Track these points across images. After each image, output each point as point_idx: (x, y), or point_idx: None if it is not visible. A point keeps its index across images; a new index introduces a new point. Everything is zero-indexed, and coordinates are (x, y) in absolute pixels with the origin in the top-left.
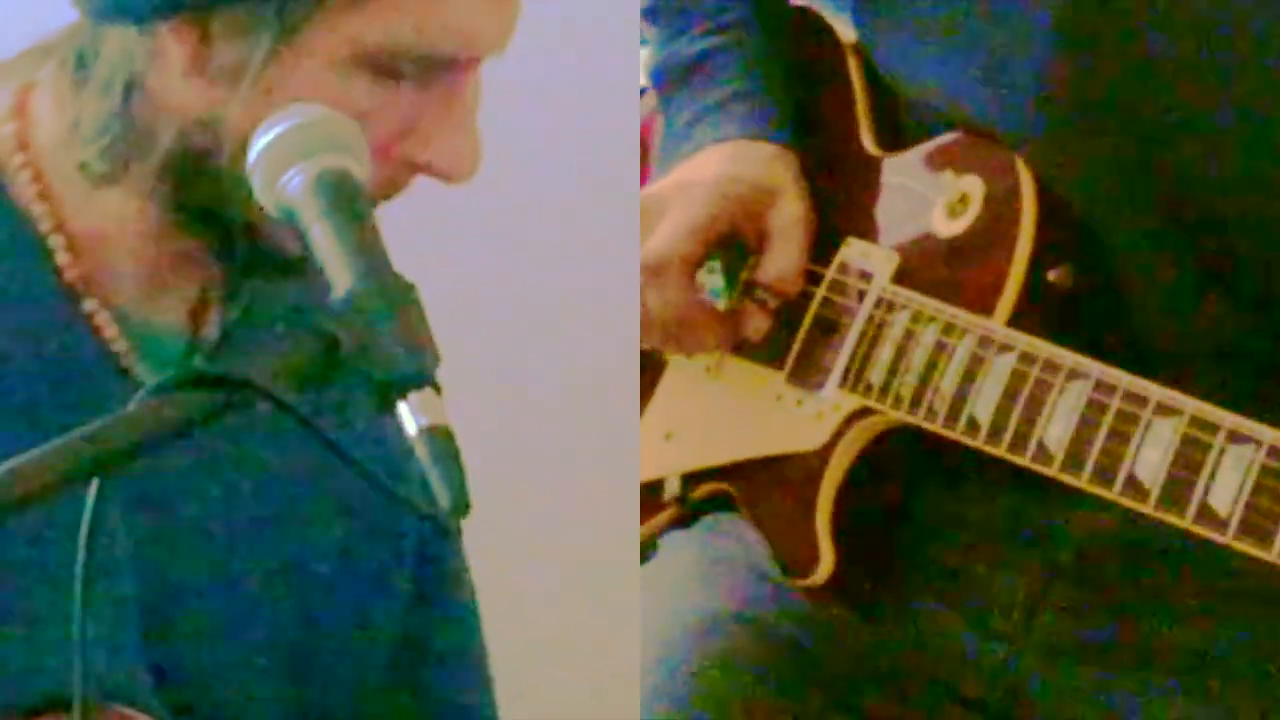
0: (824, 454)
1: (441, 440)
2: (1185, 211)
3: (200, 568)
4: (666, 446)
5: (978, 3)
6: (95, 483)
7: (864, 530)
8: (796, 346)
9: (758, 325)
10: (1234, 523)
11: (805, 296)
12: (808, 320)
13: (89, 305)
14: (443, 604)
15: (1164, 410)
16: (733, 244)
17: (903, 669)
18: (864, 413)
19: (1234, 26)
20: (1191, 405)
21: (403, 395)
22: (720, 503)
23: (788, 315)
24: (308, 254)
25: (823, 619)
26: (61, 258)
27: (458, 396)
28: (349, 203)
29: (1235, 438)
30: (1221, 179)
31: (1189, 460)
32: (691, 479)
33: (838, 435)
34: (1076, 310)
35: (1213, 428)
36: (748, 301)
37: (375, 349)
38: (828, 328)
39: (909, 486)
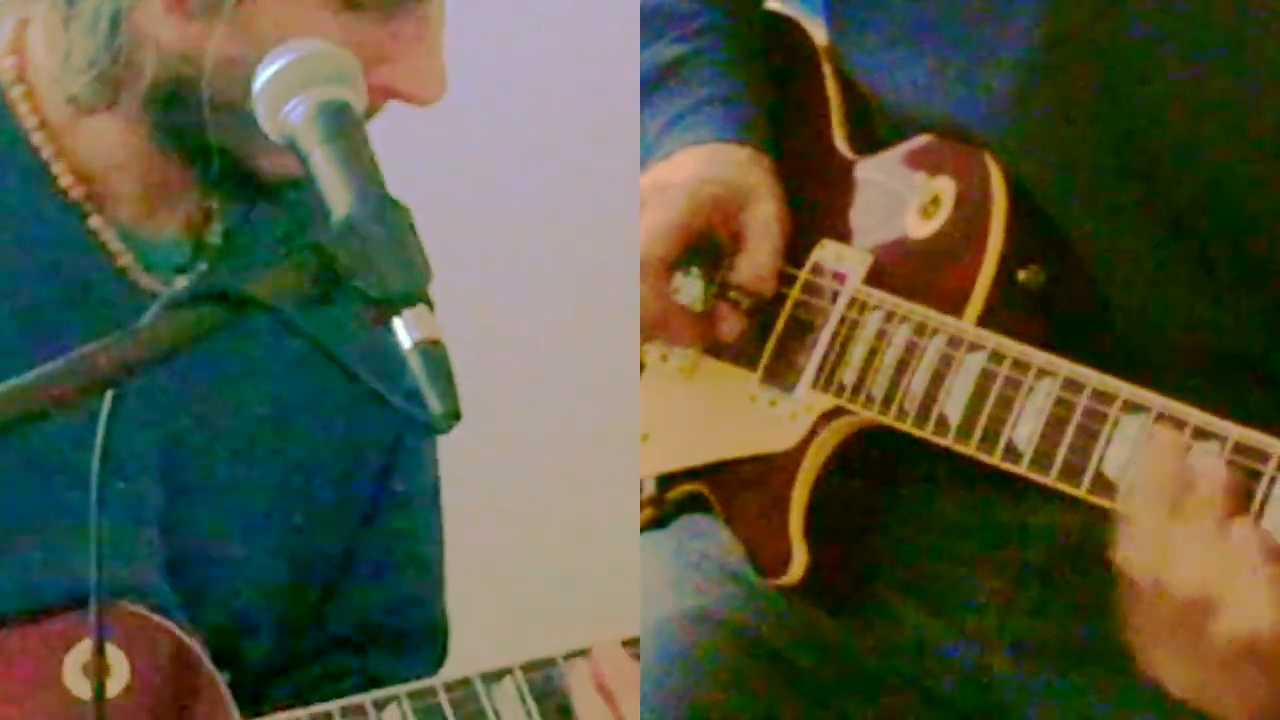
0: (797, 454)
1: (434, 353)
2: (1161, 211)
3: (210, 470)
4: (643, 448)
5: (952, 4)
6: (110, 393)
7: (837, 530)
8: (770, 347)
9: (732, 326)
10: None
11: (779, 298)
12: (782, 321)
13: (94, 222)
14: (410, 494)
15: (1131, 407)
16: (708, 245)
17: (875, 668)
18: (837, 413)
19: (1213, 26)
20: (1158, 402)
21: (397, 311)
22: (695, 503)
23: (762, 316)
24: (286, 179)
25: (796, 619)
26: (65, 180)
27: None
28: (347, 131)
29: (1200, 434)
30: (1198, 177)
31: None
32: (667, 480)
33: (811, 435)
34: (1049, 310)
35: (1179, 424)
36: (722, 302)
37: (372, 267)
38: (801, 328)
39: (882, 486)
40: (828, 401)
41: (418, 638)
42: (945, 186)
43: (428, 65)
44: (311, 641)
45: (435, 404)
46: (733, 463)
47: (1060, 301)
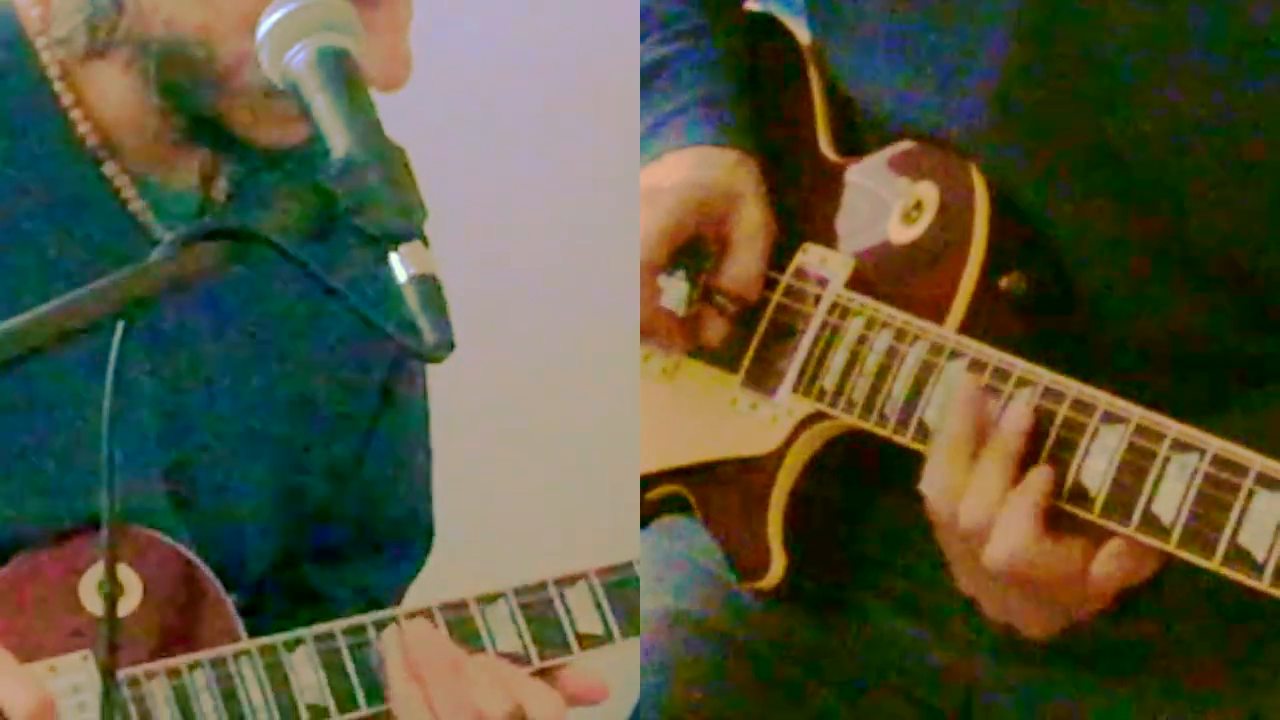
0: (777, 458)
1: (429, 286)
2: (1143, 213)
3: (212, 400)
4: None
5: (930, 10)
6: (121, 325)
7: (816, 534)
8: (752, 350)
9: (716, 329)
10: (1177, 531)
11: (762, 301)
12: (764, 325)
13: (109, 169)
14: (397, 424)
15: (1110, 418)
16: (694, 249)
17: (854, 671)
18: (817, 417)
19: (1191, 30)
20: (1137, 413)
21: (394, 247)
22: (675, 505)
23: (744, 319)
24: (266, 147)
25: (774, 622)
26: (83, 127)
27: (461, 391)
28: (346, 76)
29: (1179, 446)
30: (1180, 181)
31: (1134, 468)
32: (647, 481)
33: (791, 439)
34: (1031, 316)
35: (1158, 436)
36: (707, 306)
37: (369, 205)
38: (783, 332)
39: (861, 489)
40: (808, 406)
41: (410, 542)
42: (928, 192)
43: (396, 53)
44: (305, 555)
45: (429, 334)
46: (713, 465)
47: (1040, 306)
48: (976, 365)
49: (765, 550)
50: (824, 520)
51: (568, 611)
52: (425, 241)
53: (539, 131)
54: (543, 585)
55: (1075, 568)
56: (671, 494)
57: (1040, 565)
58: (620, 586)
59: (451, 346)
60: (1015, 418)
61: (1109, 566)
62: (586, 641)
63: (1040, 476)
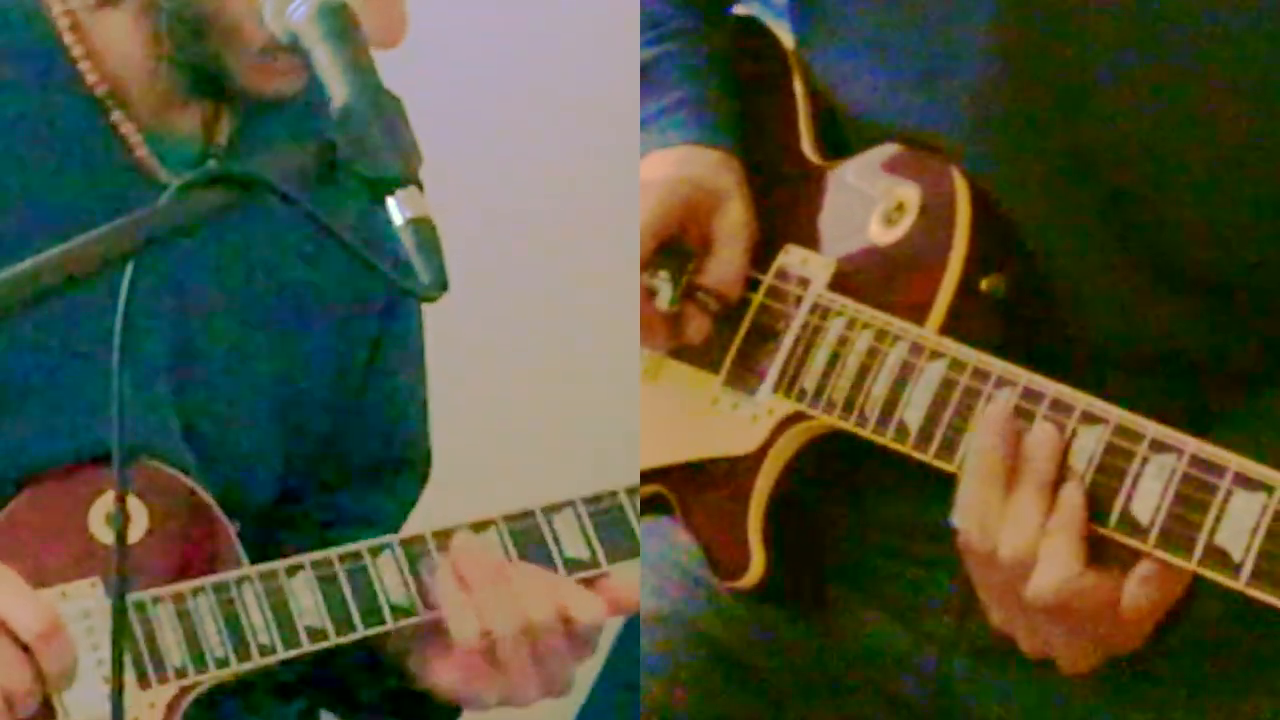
0: (757, 458)
1: (424, 229)
2: (1123, 216)
3: (218, 336)
4: None
5: (910, 13)
6: (131, 265)
7: (796, 533)
8: (733, 350)
9: (698, 328)
10: (1154, 531)
11: (744, 302)
12: (745, 325)
13: (116, 117)
14: (395, 358)
15: (1089, 419)
16: (677, 247)
17: (834, 671)
18: (798, 417)
19: (1171, 32)
20: (1116, 414)
21: (390, 191)
22: (657, 505)
23: (726, 319)
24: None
25: (755, 622)
26: (91, 77)
27: (460, 390)
28: (345, 28)
29: (1157, 447)
30: (1160, 183)
31: (1112, 469)
32: None
33: (771, 439)
34: (1012, 318)
35: (1136, 437)
36: (689, 304)
37: (367, 152)
38: (765, 333)
39: (842, 489)
40: (789, 406)
41: (410, 469)
42: (909, 194)
43: (392, 11)
44: (308, 486)
45: (423, 274)
46: (694, 465)
47: (1020, 308)
48: (956, 366)
49: (745, 550)
50: (804, 520)
51: (555, 538)
52: (420, 186)
53: (539, 127)
54: (530, 513)
55: (1113, 598)
56: (653, 494)
57: (1086, 596)
58: (605, 513)
59: (445, 286)
60: (1046, 442)
61: (1138, 592)
62: (573, 567)
63: (1074, 500)
